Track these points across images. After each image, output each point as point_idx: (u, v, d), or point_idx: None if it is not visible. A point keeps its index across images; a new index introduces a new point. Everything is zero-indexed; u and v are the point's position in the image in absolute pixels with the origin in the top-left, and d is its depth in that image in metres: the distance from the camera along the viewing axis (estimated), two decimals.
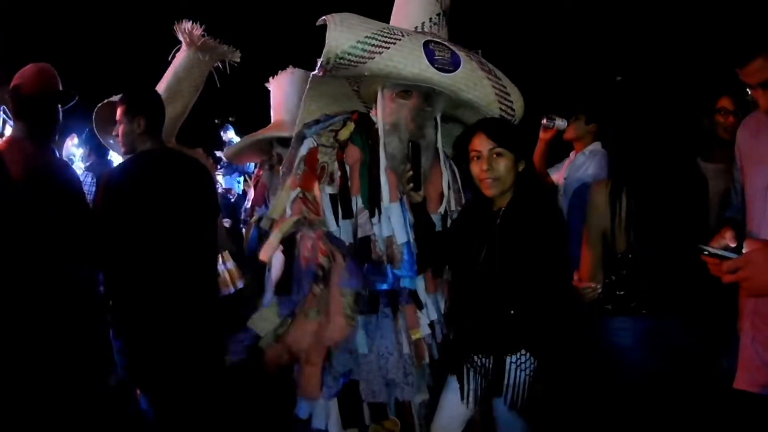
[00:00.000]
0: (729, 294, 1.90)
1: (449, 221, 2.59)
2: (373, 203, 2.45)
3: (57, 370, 2.63)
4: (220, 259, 4.08)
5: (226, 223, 5.33)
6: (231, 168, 6.02)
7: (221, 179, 6.36)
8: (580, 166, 3.36)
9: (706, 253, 1.57)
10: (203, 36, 3.66)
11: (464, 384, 2.34)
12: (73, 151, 5.21)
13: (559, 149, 3.65)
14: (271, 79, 4.06)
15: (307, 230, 2.40)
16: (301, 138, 2.57)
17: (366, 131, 2.53)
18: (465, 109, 2.55)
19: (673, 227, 2.23)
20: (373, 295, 2.43)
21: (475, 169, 2.30)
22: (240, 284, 4.05)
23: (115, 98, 3.33)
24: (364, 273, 2.43)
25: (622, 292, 2.30)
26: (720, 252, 1.56)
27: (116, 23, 6.67)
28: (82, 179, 4.01)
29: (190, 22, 3.64)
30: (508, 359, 2.22)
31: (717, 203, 2.56)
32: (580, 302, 2.33)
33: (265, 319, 2.44)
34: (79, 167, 5.02)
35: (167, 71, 3.70)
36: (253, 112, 4.16)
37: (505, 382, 2.22)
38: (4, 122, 4.30)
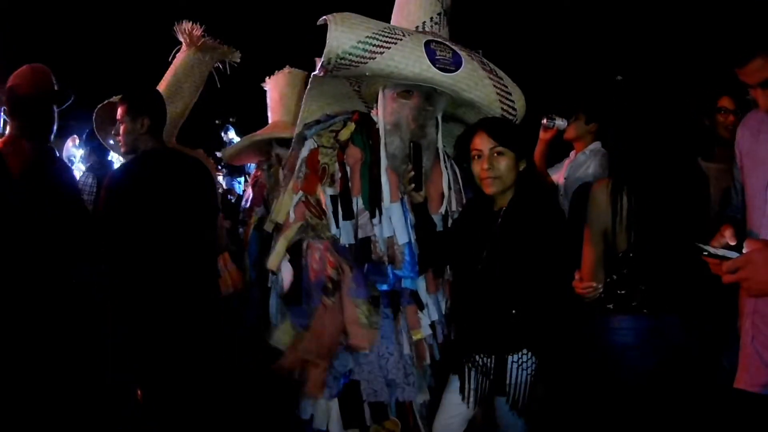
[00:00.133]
0: (729, 293, 1.90)
1: (450, 221, 2.59)
2: (373, 204, 2.45)
3: (56, 369, 2.63)
4: (221, 261, 4.07)
5: (226, 224, 5.32)
6: (230, 168, 6.02)
7: (222, 180, 6.36)
8: (581, 165, 3.36)
9: (706, 253, 1.57)
10: (203, 36, 3.66)
11: (465, 383, 2.34)
12: (74, 152, 5.22)
13: (559, 149, 3.65)
14: (267, 79, 4.06)
15: (313, 240, 2.42)
16: (302, 139, 2.57)
17: (367, 131, 2.53)
18: (466, 109, 2.56)
19: (674, 226, 2.23)
20: (373, 296, 2.44)
21: (476, 168, 2.30)
22: (240, 286, 4.05)
23: (116, 99, 3.33)
24: (365, 273, 2.43)
25: (623, 292, 2.30)
26: (720, 252, 1.56)
27: (116, 23, 6.66)
28: (83, 180, 4.02)
29: (191, 22, 3.64)
30: (509, 358, 2.23)
31: (718, 203, 2.56)
32: (582, 301, 2.33)
33: (284, 333, 2.46)
34: (79, 168, 5.03)
35: (167, 72, 3.70)
36: (253, 112, 4.16)
37: (507, 381, 2.22)
38: (5, 123, 4.30)
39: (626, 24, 6.13)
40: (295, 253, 2.45)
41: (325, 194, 2.48)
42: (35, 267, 2.53)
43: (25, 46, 5.15)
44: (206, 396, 2.89)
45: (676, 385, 2.24)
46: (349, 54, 2.24)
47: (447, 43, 2.41)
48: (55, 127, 2.95)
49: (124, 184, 2.74)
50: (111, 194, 2.75)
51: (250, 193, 4.20)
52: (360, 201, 2.47)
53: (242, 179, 6.99)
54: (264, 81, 4.09)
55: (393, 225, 2.45)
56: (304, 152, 2.51)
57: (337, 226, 2.47)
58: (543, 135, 3.47)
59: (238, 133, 6.74)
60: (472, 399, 2.34)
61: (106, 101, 3.54)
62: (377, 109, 2.52)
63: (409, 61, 2.29)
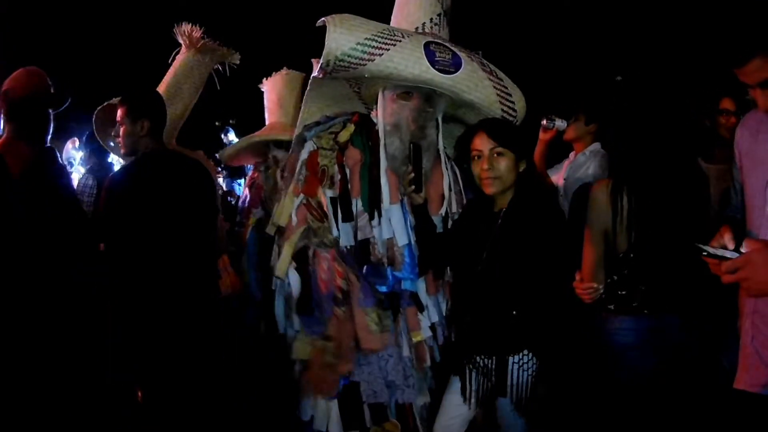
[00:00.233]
0: (729, 293, 1.90)
1: (450, 223, 2.59)
2: (373, 205, 2.45)
3: (55, 369, 2.63)
4: (220, 262, 4.07)
5: (226, 225, 5.32)
6: (231, 170, 6.02)
7: (222, 182, 6.36)
8: (581, 166, 3.35)
9: (705, 253, 1.57)
10: (203, 38, 3.66)
11: (467, 384, 2.34)
12: (74, 154, 5.21)
13: (558, 150, 3.65)
14: (265, 80, 4.06)
15: (319, 248, 2.42)
16: (301, 141, 2.57)
17: (366, 132, 2.53)
18: (467, 110, 2.56)
19: (674, 227, 2.23)
20: (380, 299, 2.45)
21: (476, 168, 2.30)
22: (238, 288, 4.05)
23: (115, 101, 3.33)
24: (364, 275, 2.44)
25: (623, 292, 2.30)
26: (719, 252, 1.56)
27: (116, 25, 6.66)
28: (83, 182, 4.01)
29: (190, 24, 3.64)
30: (510, 359, 2.23)
31: (718, 203, 2.57)
32: (582, 302, 2.33)
33: (303, 343, 2.47)
34: (78, 170, 5.02)
35: (167, 73, 3.70)
36: (253, 114, 4.16)
37: (508, 382, 2.23)
38: (3, 125, 4.30)
39: (626, 24, 6.13)
40: (300, 260, 2.45)
41: (325, 196, 2.48)
42: (36, 267, 2.53)
43: (25, 48, 5.15)
44: (206, 396, 2.89)
45: (676, 386, 2.24)
46: (348, 56, 2.24)
47: (447, 44, 2.41)
48: (51, 130, 2.95)
49: (125, 186, 2.75)
50: (111, 196, 2.75)
51: (247, 194, 4.19)
52: (359, 203, 2.47)
53: (242, 181, 6.98)
54: (263, 83, 4.09)
55: (392, 226, 2.44)
56: (304, 154, 2.51)
57: (338, 229, 2.48)
58: (542, 136, 3.47)
59: (237, 135, 6.74)
60: (473, 400, 2.34)
61: (105, 103, 3.54)
62: (377, 110, 2.52)
63: (409, 62, 2.29)
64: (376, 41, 2.25)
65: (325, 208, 2.46)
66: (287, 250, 2.44)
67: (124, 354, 2.79)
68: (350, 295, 2.42)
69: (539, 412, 2.25)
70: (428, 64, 2.30)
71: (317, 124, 2.59)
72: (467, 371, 2.34)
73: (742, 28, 1.72)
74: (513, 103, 2.50)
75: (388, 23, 2.54)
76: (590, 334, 2.39)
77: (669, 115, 2.40)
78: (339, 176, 2.47)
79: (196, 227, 2.88)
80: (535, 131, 3.45)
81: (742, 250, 1.51)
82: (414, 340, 2.49)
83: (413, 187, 2.40)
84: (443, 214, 2.59)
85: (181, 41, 3.67)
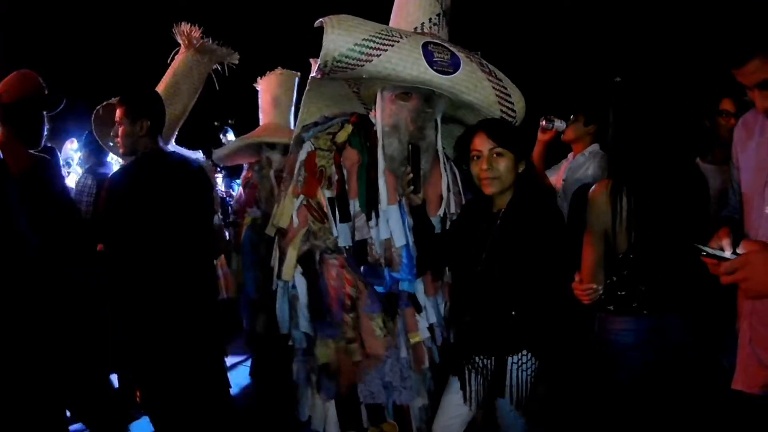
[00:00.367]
0: (729, 293, 1.91)
1: (448, 223, 2.59)
2: (370, 206, 2.45)
3: (55, 370, 2.63)
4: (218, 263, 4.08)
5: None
6: (229, 170, 6.02)
7: (220, 181, 6.36)
8: (580, 167, 3.36)
9: (704, 253, 1.57)
10: (202, 38, 3.66)
11: (466, 385, 2.34)
12: (72, 154, 5.21)
13: (556, 151, 3.65)
14: (259, 79, 4.05)
15: (328, 255, 2.44)
16: (299, 141, 2.56)
17: (364, 133, 2.52)
18: (466, 111, 2.55)
19: (674, 227, 2.23)
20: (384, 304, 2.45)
21: (475, 168, 2.30)
22: (232, 291, 4.05)
23: (114, 100, 3.33)
24: (362, 276, 2.44)
25: (623, 293, 2.30)
26: (718, 253, 1.56)
27: (115, 25, 6.66)
28: (82, 181, 4.01)
29: (189, 24, 3.64)
30: (509, 360, 2.23)
31: (716, 204, 2.57)
32: (581, 303, 2.33)
33: (325, 347, 2.46)
34: (76, 170, 5.02)
35: (166, 73, 3.70)
36: (252, 114, 4.16)
37: (507, 382, 2.22)
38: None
39: (625, 25, 6.14)
40: (306, 263, 2.45)
41: (325, 197, 2.48)
42: (36, 267, 2.53)
43: (25, 47, 5.15)
44: (205, 396, 2.89)
45: (676, 386, 2.24)
46: (346, 57, 2.23)
47: (445, 44, 2.41)
48: (45, 131, 2.95)
49: (124, 187, 2.75)
50: (111, 197, 2.75)
51: (241, 193, 4.19)
52: (357, 203, 2.47)
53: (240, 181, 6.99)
54: (257, 82, 4.09)
55: (390, 227, 2.44)
56: (302, 155, 2.51)
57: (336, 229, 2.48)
58: (541, 136, 3.48)
59: (236, 135, 6.72)
60: (472, 400, 2.34)
61: (105, 102, 3.54)
62: (376, 110, 2.52)
63: (407, 63, 2.28)
64: (374, 42, 2.25)
65: (324, 209, 2.46)
66: (292, 254, 2.44)
67: (124, 354, 2.79)
68: (357, 302, 2.43)
69: (539, 412, 2.25)
70: (426, 64, 2.30)
71: (315, 124, 2.58)
72: (466, 372, 2.34)
73: (741, 29, 1.72)
74: (512, 103, 2.50)
75: (387, 24, 2.54)
76: (589, 335, 2.39)
77: (668, 116, 2.40)
78: (336, 177, 2.46)
79: (195, 227, 2.88)
80: (534, 132, 3.45)
81: (740, 251, 1.51)
82: (412, 341, 2.48)
83: (412, 187, 2.39)
84: (441, 215, 2.59)
85: (180, 41, 3.67)
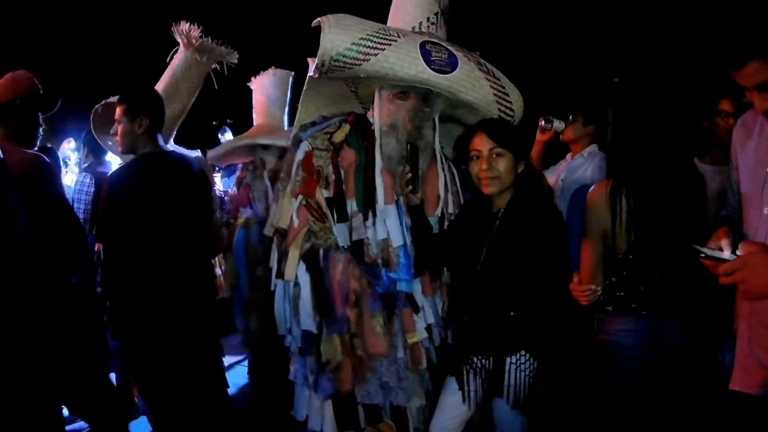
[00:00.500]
0: (729, 294, 1.91)
1: (446, 223, 2.59)
2: (367, 206, 2.44)
3: (55, 371, 2.62)
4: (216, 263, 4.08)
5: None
6: (228, 170, 6.03)
7: (219, 181, 6.36)
8: (579, 167, 3.36)
9: (703, 255, 1.57)
10: (201, 37, 3.66)
11: (464, 385, 2.34)
12: (69, 154, 5.20)
13: (555, 151, 3.65)
14: (253, 79, 4.04)
15: (333, 251, 2.41)
16: (297, 141, 2.56)
17: (362, 133, 2.52)
18: (464, 110, 2.55)
19: (674, 228, 2.23)
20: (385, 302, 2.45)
21: (475, 168, 2.30)
22: (225, 291, 4.05)
23: (113, 99, 3.33)
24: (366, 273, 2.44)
25: (622, 293, 2.30)
26: (716, 254, 1.57)
27: (115, 24, 6.66)
28: (80, 180, 4.01)
29: (188, 23, 3.64)
30: (507, 360, 2.22)
31: (715, 204, 2.57)
32: (580, 303, 2.33)
33: (330, 343, 2.44)
34: (73, 170, 5.02)
35: (165, 72, 3.70)
36: (250, 114, 4.16)
37: (505, 383, 2.22)
38: None
39: (624, 25, 6.14)
40: (310, 260, 2.44)
41: (323, 197, 2.47)
42: (36, 268, 2.53)
43: (23, 47, 5.15)
44: (203, 396, 2.89)
45: (675, 387, 2.24)
46: (343, 56, 2.23)
47: (443, 43, 2.40)
48: (40, 132, 2.95)
49: (124, 187, 2.74)
50: (111, 197, 2.75)
51: (234, 193, 4.18)
52: (354, 203, 2.46)
53: None
54: (251, 81, 4.08)
55: (387, 227, 2.43)
56: (299, 155, 2.51)
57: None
58: (540, 137, 3.48)
59: (234, 134, 6.74)
60: (470, 401, 2.34)
61: (103, 101, 3.54)
62: (374, 110, 2.52)
63: (405, 62, 2.28)
64: (372, 41, 2.24)
65: (324, 209, 2.46)
66: (294, 253, 2.44)
67: (123, 354, 2.79)
68: (361, 299, 2.43)
69: (537, 412, 2.25)
70: (424, 64, 2.29)
71: (313, 124, 2.58)
72: (464, 372, 2.34)
73: (740, 31, 1.72)
74: (510, 102, 2.49)
75: (385, 23, 2.54)
76: (589, 336, 2.39)
77: (667, 117, 2.40)
78: (333, 177, 2.46)
79: (194, 226, 2.87)
80: (533, 132, 3.45)
81: (740, 252, 1.52)
82: (409, 341, 2.48)
83: (410, 187, 2.39)
84: (439, 215, 2.58)
85: (179, 40, 3.67)
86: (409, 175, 2.38)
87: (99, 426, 2.97)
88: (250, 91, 4.13)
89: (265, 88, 4.01)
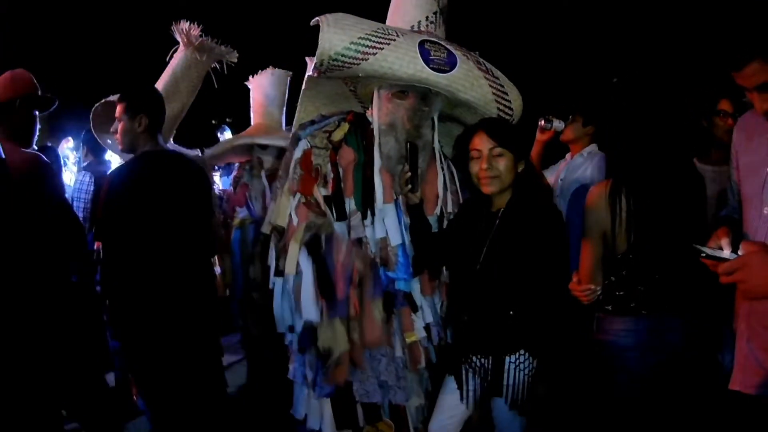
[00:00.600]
0: (728, 294, 1.91)
1: (445, 222, 2.59)
2: (365, 205, 2.44)
3: (54, 370, 2.63)
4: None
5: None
6: (228, 170, 6.03)
7: (218, 180, 6.36)
8: (578, 167, 3.36)
9: (704, 254, 1.58)
10: (201, 36, 3.66)
11: (463, 384, 2.34)
12: (67, 153, 5.20)
13: (554, 151, 3.66)
14: (251, 78, 4.04)
15: (337, 236, 2.42)
16: (296, 140, 2.56)
17: (361, 132, 2.52)
18: (463, 109, 2.54)
19: (673, 227, 2.23)
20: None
21: (475, 167, 2.30)
22: (221, 291, 4.05)
23: (113, 98, 3.33)
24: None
25: (621, 293, 2.30)
26: (717, 254, 1.57)
27: (115, 23, 6.66)
28: (80, 179, 4.01)
29: (188, 22, 3.64)
30: (507, 359, 2.22)
31: (714, 205, 2.57)
32: (580, 303, 2.33)
33: (332, 329, 2.41)
34: (72, 169, 5.02)
35: (165, 71, 3.70)
36: (249, 113, 4.15)
37: (505, 382, 2.22)
38: None
39: (624, 26, 6.14)
40: (312, 246, 2.42)
41: (321, 195, 2.47)
42: (36, 267, 2.53)
43: (23, 46, 5.14)
44: (202, 395, 2.89)
45: (674, 387, 2.24)
46: (342, 55, 2.23)
47: (442, 42, 2.39)
48: (37, 131, 2.95)
49: (124, 186, 2.74)
50: (111, 196, 2.74)
51: (230, 192, 4.18)
52: (353, 202, 2.46)
53: None
54: (249, 80, 4.08)
55: (386, 226, 2.43)
56: (297, 153, 2.50)
57: None
58: (540, 136, 3.48)
59: (234, 134, 6.74)
60: (469, 400, 2.34)
61: (103, 100, 3.54)
62: (372, 109, 2.52)
63: (403, 61, 2.28)
64: (370, 40, 2.24)
65: (322, 207, 2.46)
66: (294, 247, 2.42)
67: (123, 354, 2.79)
68: (364, 281, 2.40)
69: (536, 412, 2.26)
70: (423, 63, 2.29)
71: (312, 122, 2.58)
72: (463, 371, 2.34)
73: (741, 32, 1.72)
74: (509, 101, 2.49)
75: (384, 22, 2.54)
76: (588, 335, 2.39)
77: (666, 116, 2.40)
78: (332, 175, 2.46)
79: (194, 226, 2.87)
80: (533, 132, 3.46)
81: (740, 252, 1.52)
82: (408, 340, 2.48)
83: (410, 186, 2.39)
84: (438, 214, 2.58)
85: (179, 39, 3.67)
86: (409, 174, 2.38)
87: (93, 426, 2.97)
88: (249, 90, 4.13)
89: (263, 87, 4.00)
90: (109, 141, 3.73)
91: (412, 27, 2.51)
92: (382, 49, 2.25)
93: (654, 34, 5.99)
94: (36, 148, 2.99)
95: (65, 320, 2.70)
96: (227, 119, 7.98)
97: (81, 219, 3.48)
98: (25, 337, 2.47)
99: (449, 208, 2.60)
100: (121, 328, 2.81)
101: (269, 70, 4.00)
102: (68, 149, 5.24)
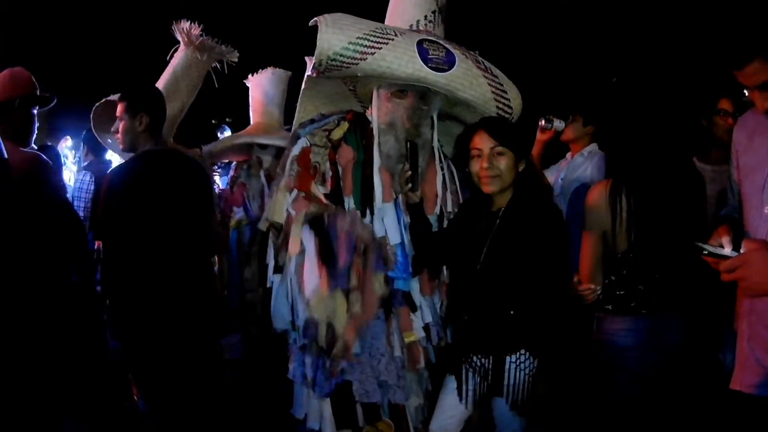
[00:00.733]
0: (729, 293, 1.91)
1: (445, 222, 2.58)
2: (365, 204, 2.44)
3: (54, 369, 2.63)
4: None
5: None
6: (228, 169, 6.04)
7: (218, 180, 6.37)
8: (579, 166, 3.36)
9: (705, 252, 1.58)
10: (201, 36, 3.66)
11: (463, 384, 2.34)
12: (66, 152, 5.21)
13: (554, 150, 3.66)
14: (250, 76, 4.04)
15: (340, 210, 2.41)
16: (296, 138, 2.56)
17: (361, 131, 2.52)
18: (462, 108, 2.54)
19: (673, 227, 2.23)
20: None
21: (475, 166, 2.29)
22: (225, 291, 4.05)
23: (114, 97, 3.33)
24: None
25: (621, 292, 2.30)
26: (718, 251, 1.57)
27: (115, 22, 6.66)
28: (80, 178, 4.02)
29: (189, 21, 3.64)
30: (507, 359, 2.22)
31: (714, 204, 2.57)
32: (580, 302, 2.33)
33: (335, 303, 2.37)
34: (71, 168, 5.02)
35: (165, 71, 3.70)
36: (249, 113, 4.16)
37: (505, 382, 2.22)
38: None
39: (624, 25, 6.14)
40: (315, 222, 2.40)
41: (320, 192, 2.47)
42: (36, 267, 2.53)
43: (25, 45, 5.14)
44: (203, 395, 2.89)
45: (674, 387, 2.24)
46: (341, 55, 2.23)
47: (440, 41, 2.39)
48: (36, 130, 2.94)
49: (124, 185, 2.74)
50: (110, 194, 2.74)
51: (228, 192, 4.18)
52: (351, 201, 2.46)
53: None
54: (248, 78, 4.07)
55: (385, 225, 2.43)
56: (295, 151, 2.50)
57: None
58: (540, 136, 3.48)
59: (233, 133, 6.76)
60: (469, 400, 2.33)
61: (104, 99, 3.54)
62: (372, 108, 2.52)
63: (402, 61, 2.27)
64: (369, 40, 2.24)
65: (322, 200, 2.45)
66: (296, 228, 2.40)
67: (123, 353, 2.78)
68: (367, 253, 2.39)
69: (536, 411, 2.25)
70: (421, 62, 2.29)
71: (312, 121, 2.58)
72: (464, 371, 2.34)
73: (742, 30, 1.72)
74: (509, 100, 2.49)
75: (383, 22, 2.54)
76: (589, 335, 2.39)
77: (666, 116, 2.40)
78: (331, 173, 2.46)
79: (194, 225, 2.87)
80: (534, 131, 3.46)
81: (742, 249, 1.52)
82: (407, 340, 2.47)
83: (410, 185, 2.39)
84: (438, 213, 2.58)
85: (179, 39, 3.67)
86: (409, 173, 2.38)
87: (93, 427, 2.97)
88: (249, 89, 4.13)
89: (262, 86, 4.00)
90: (110, 140, 3.73)
91: (411, 26, 2.51)
92: (380, 48, 2.25)
93: (653, 33, 5.99)
94: (35, 147, 2.99)
95: (65, 320, 2.70)
96: (227, 119, 7.99)
97: (81, 218, 3.48)
98: (26, 337, 2.47)
99: (449, 208, 2.59)
100: (121, 327, 2.81)
101: (269, 69, 4.00)
102: (66, 148, 5.24)
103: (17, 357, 2.43)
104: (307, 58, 2.43)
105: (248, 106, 4.13)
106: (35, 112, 2.91)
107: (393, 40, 2.28)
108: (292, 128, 2.68)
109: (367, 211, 2.44)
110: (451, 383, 2.39)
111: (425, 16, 2.52)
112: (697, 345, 2.28)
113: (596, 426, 2.43)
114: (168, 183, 2.80)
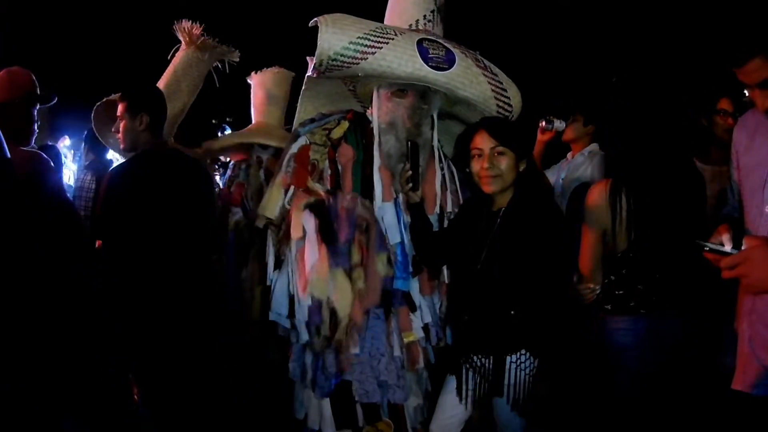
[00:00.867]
0: (728, 292, 1.91)
1: (445, 221, 2.58)
2: None
3: (54, 369, 2.62)
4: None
5: None
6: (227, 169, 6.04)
7: (219, 179, 6.37)
8: (579, 166, 3.37)
9: (707, 249, 1.58)
10: (202, 35, 3.66)
11: (463, 384, 2.34)
12: (65, 151, 5.21)
13: (555, 150, 3.66)
14: (253, 74, 4.04)
15: (342, 193, 2.40)
16: (295, 137, 2.56)
17: (360, 130, 2.52)
18: (462, 107, 2.54)
19: (673, 226, 2.23)
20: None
21: (476, 166, 2.29)
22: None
23: (114, 97, 3.33)
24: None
25: (621, 292, 2.30)
26: (719, 248, 1.57)
27: (116, 22, 6.66)
28: (81, 178, 4.02)
29: (190, 21, 3.64)
30: (508, 359, 2.21)
31: (715, 204, 2.57)
32: (580, 302, 2.33)
33: (336, 282, 2.35)
34: (70, 167, 5.02)
35: (166, 70, 3.71)
36: (250, 112, 4.15)
37: (505, 382, 2.21)
38: None
39: (624, 25, 6.14)
40: (316, 205, 2.39)
41: (320, 190, 2.46)
42: (37, 265, 2.53)
43: (25, 45, 5.14)
44: (203, 394, 2.89)
45: (674, 387, 2.24)
46: (341, 55, 2.23)
47: (440, 40, 2.40)
48: (36, 129, 2.94)
49: (124, 184, 2.74)
50: (110, 193, 2.75)
51: (226, 192, 4.17)
52: None
53: None
54: (251, 76, 4.06)
55: (385, 224, 2.43)
56: (294, 149, 2.50)
57: None
58: (541, 136, 3.49)
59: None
60: (469, 400, 2.33)
61: (105, 99, 3.54)
62: (372, 108, 2.52)
63: (402, 60, 2.28)
64: (369, 40, 2.24)
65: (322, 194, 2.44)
66: (297, 213, 2.38)
67: (123, 352, 2.78)
68: (369, 233, 2.38)
69: (536, 411, 2.25)
70: (421, 61, 2.29)
71: (312, 120, 2.58)
72: (464, 370, 2.33)
73: (743, 28, 1.73)
74: (509, 98, 2.49)
75: (383, 21, 2.54)
76: (589, 335, 2.39)
77: (666, 115, 2.40)
78: (330, 172, 2.46)
79: (194, 224, 2.87)
80: (534, 131, 3.46)
81: (743, 246, 1.52)
82: (406, 340, 2.47)
83: (410, 185, 2.39)
84: (437, 213, 2.58)
85: (181, 38, 3.67)
86: (410, 172, 2.38)
87: (93, 427, 2.97)
88: (250, 89, 4.12)
89: (265, 85, 3.99)
90: (111, 140, 3.73)
91: (410, 26, 2.51)
92: (380, 48, 2.25)
93: (653, 32, 5.98)
94: (36, 146, 2.99)
95: (65, 320, 2.70)
96: (228, 119, 7.98)
97: (82, 218, 3.48)
98: (25, 337, 2.47)
99: (449, 208, 2.60)
100: (121, 327, 2.81)
101: (274, 69, 3.99)
102: (65, 148, 5.24)
103: (17, 357, 2.43)
104: (308, 59, 2.43)
105: (249, 105, 4.12)
106: (36, 111, 2.91)
107: (393, 39, 2.28)
108: (293, 128, 2.68)
109: None
110: (451, 383, 2.39)
111: (424, 16, 2.53)
112: (697, 345, 2.28)
113: (596, 426, 2.43)
114: (168, 182, 2.80)
